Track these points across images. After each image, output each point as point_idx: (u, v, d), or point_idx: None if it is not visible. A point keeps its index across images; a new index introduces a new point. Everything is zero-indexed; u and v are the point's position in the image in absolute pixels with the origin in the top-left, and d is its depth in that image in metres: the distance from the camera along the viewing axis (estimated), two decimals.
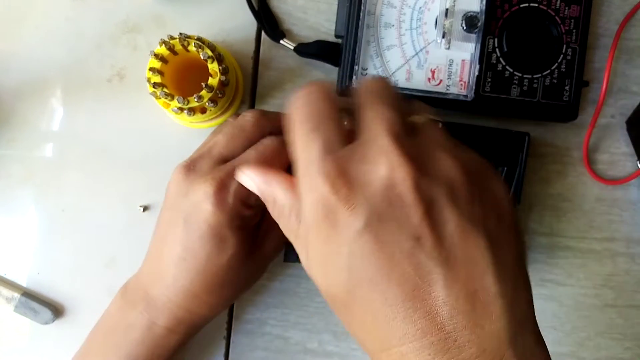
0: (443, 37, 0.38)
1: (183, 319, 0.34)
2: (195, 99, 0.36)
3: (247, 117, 0.35)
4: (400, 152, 0.25)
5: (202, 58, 0.36)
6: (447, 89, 0.38)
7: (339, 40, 0.40)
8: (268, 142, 0.34)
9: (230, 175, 0.32)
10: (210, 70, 0.36)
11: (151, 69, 0.36)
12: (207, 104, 0.36)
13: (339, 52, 0.39)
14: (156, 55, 0.36)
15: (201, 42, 0.36)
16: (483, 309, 0.23)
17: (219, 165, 0.33)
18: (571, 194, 0.42)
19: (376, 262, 0.24)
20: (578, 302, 0.42)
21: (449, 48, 0.38)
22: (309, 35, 0.41)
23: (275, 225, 0.35)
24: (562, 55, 0.39)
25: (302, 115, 0.27)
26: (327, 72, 0.41)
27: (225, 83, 0.37)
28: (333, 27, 0.40)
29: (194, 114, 0.36)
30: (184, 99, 0.35)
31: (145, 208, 0.41)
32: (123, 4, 0.41)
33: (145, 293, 0.34)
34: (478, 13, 0.38)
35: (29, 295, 0.41)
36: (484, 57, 0.38)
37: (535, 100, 0.39)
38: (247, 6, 0.40)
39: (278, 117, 0.35)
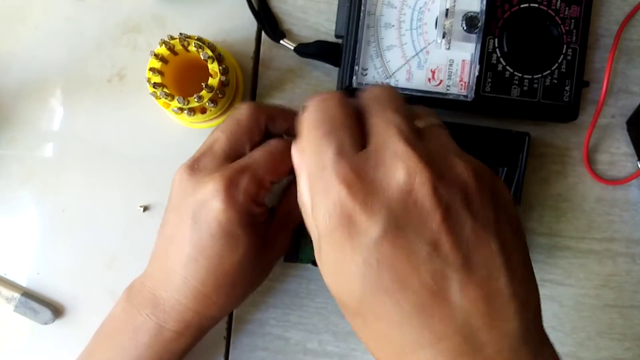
0: (443, 37, 0.38)
1: (192, 321, 0.34)
2: (196, 99, 0.36)
3: (242, 110, 0.35)
4: (417, 157, 0.24)
5: (202, 58, 0.36)
6: (448, 89, 0.38)
7: (339, 41, 0.40)
8: (275, 143, 0.34)
9: (239, 172, 0.32)
10: (210, 71, 0.36)
11: (151, 69, 0.36)
12: (207, 104, 0.36)
13: (339, 52, 0.39)
14: (156, 56, 0.36)
15: (201, 42, 0.36)
16: (498, 310, 0.24)
17: (222, 162, 0.33)
18: (571, 194, 0.42)
19: (393, 271, 0.24)
20: (578, 302, 0.42)
21: (449, 48, 0.38)
22: (309, 35, 0.41)
23: (284, 224, 0.35)
24: (562, 56, 0.39)
25: (315, 120, 0.27)
26: (327, 72, 0.41)
27: (226, 83, 0.37)
28: (333, 27, 0.40)
29: (194, 114, 0.36)
30: (184, 99, 0.35)
31: (145, 208, 0.41)
32: (123, 4, 0.41)
33: (153, 296, 0.34)
34: (478, 13, 0.38)
35: (29, 295, 0.41)
36: (484, 58, 0.38)
37: (535, 101, 0.39)
38: (247, 6, 0.40)
39: (271, 108, 0.36)
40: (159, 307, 0.33)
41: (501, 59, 0.38)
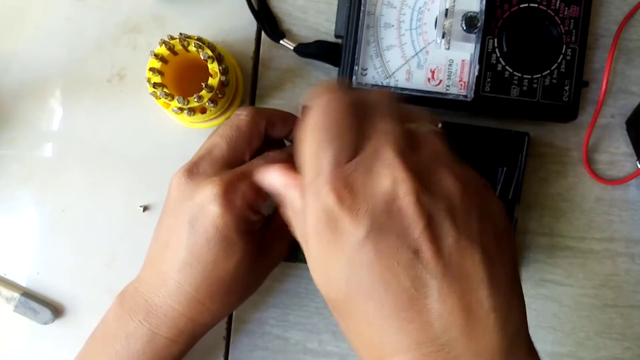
0: (443, 37, 0.38)
1: (185, 328, 0.33)
2: (195, 99, 0.36)
3: (242, 115, 0.35)
4: (404, 167, 0.25)
5: (202, 58, 0.36)
6: (447, 89, 0.38)
7: (339, 41, 0.40)
8: (274, 155, 0.34)
9: (238, 177, 0.32)
10: (210, 71, 0.36)
11: (151, 69, 0.36)
12: (207, 104, 0.36)
13: (338, 52, 0.39)
14: (156, 55, 0.36)
15: (201, 42, 0.36)
16: (477, 322, 0.24)
17: (221, 167, 0.33)
18: (571, 194, 0.42)
19: (374, 273, 0.24)
20: (578, 302, 0.42)
21: (448, 48, 0.38)
22: (308, 35, 0.41)
23: (280, 233, 0.35)
24: (561, 56, 0.39)
25: (318, 123, 0.27)
26: (327, 72, 0.41)
27: (225, 83, 0.37)
28: (333, 27, 0.40)
29: (194, 114, 0.36)
30: (184, 99, 0.35)
31: (145, 208, 0.41)
32: (123, 4, 0.41)
33: (146, 301, 0.33)
34: (478, 13, 0.38)
35: (28, 295, 0.41)
36: (484, 57, 0.38)
37: (535, 101, 0.39)
38: (247, 6, 0.40)
39: (272, 113, 0.36)
40: (152, 313, 0.33)
41: (501, 59, 0.38)
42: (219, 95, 0.37)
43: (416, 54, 0.38)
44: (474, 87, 0.38)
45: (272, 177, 0.31)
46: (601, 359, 0.43)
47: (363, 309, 0.25)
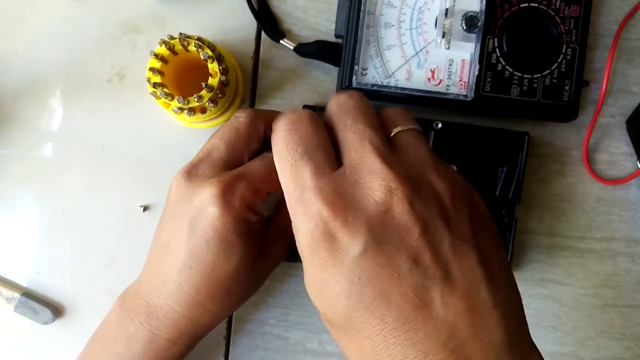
0: (443, 37, 0.38)
1: (185, 329, 0.33)
2: (196, 99, 0.36)
3: (241, 117, 0.35)
4: (394, 175, 0.25)
5: (202, 58, 0.36)
6: (447, 89, 0.38)
7: (339, 40, 0.40)
8: (272, 155, 0.34)
9: (236, 178, 0.32)
10: (210, 70, 0.36)
11: (151, 69, 0.36)
12: (207, 104, 0.36)
13: (339, 52, 0.39)
14: (156, 55, 0.36)
15: (201, 42, 0.36)
16: (481, 322, 0.24)
17: (220, 169, 0.33)
18: (571, 194, 0.42)
19: (375, 288, 0.24)
20: (578, 301, 0.42)
21: (448, 48, 0.38)
22: (309, 35, 0.41)
23: (280, 233, 0.35)
24: (562, 55, 0.39)
25: (289, 141, 0.27)
26: (327, 72, 0.41)
27: (226, 83, 0.37)
28: (333, 27, 0.40)
29: (194, 114, 0.36)
30: (184, 99, 0.35)
31: (145, 208, 0.41)
32: (123, 4, 0.41)
33: (146, 303, 0.33)
34: (478, 13, 0.38)
35: (29, 295, 0.41)
36: (484, 57, 0.38)
37: (535, 100, 0.39)
38: (247, 6, 0.40)
39: (271, 115, 0.35)
40: (153, 314, 0.33)
41: (501, 59, 0.38)
42: (219, 95, 0.37)
43: (416, 53, 0.38)
44: (474, 87, 0.38)
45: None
46: (601, 359, 0.43)
47: (365, 325, 0.25)
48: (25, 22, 0.41)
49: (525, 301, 0.27)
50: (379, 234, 0.24)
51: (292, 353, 0.42)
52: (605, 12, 0.42)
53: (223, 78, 0.36)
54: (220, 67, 0.36)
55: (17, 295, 0.41)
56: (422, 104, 0.38)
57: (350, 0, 0.38)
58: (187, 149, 0.38)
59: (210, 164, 0.33)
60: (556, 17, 0.38)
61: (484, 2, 0.38)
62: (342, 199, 0.25)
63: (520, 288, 0.27)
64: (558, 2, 0.38)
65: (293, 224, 0.27)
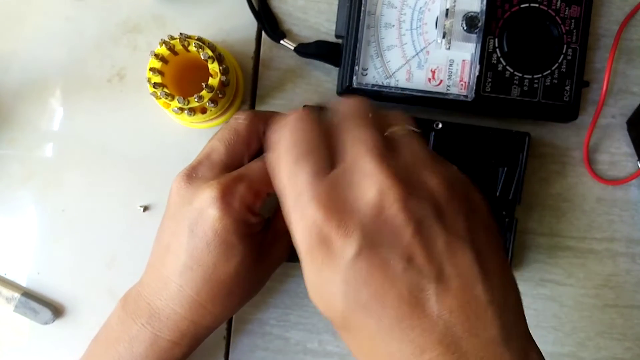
0: (443, 37, 0.38)
1: (187, 331, 0.34)
2: (196, 99, 0.36)
3: (240, 119, 0.35)
4: (387, 175, 0.25)
5: (202, 58, 0.36)
6: (448, 89, 0.38)
7: (339, 41, 0.40)
8: None
9: (236, 180, 0.32)
10: (210, 71, 0.36)
11: (151, 69, 0.36)
12: (207, 104, 0.36)
13: (339, 52, 0.39)
14: (156, 56, 0.36)
15: (201, 42, 0.36)
16: (477, 318, 0.24)
17: (220, 171, 0.33)
18: (571, 194, 0.42)
19: (370, 288, 0.24)
20: (578, 302, 0.42)
21: (449, 48, 0.38)
22: (309, 35, 0.41)
23: (281, 235, 0.35)
24: (562, 56, 0.39)
25: (287, 143, 0.27)
26: (327, 72, 0.41)
27: (226, 83, 0.37)
28: (333, 27, 0.40)
29: (194, 114, 0.36)
30: (184, 99, 0.35)
31: (145, 208, 0.41)
32: (123, 4, 0.41)
33: (148, 305, 0.33)
34: (478, 13, 0.38)
35: (29, 295, 0.41)
36: (485, 58, 0.38)
37: (535, 101, 0.39)
38: (247, 6, 0.40)
39: (271, 116, 0.36)
40: (155, 316, 0.33)
41: (501, 59, 0.38)
42: (220, 96, 0.37)
43: (417, 54, 0.38)
44: (474, 87, 0.38)
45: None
46: (602, 359, 0.43)
47: (362, 324, 0.25)
48: (25, 22, 0.41)
49: (525, 302, 0.27)
50: (373, 236, 0.24)
51: (292, 353, 0.42)
52: (605, 12, 0.42)
53: (223, 78, 0.36)
54: (221, 68, 0.36)
55: (17, 295, 0.41)
56: (422, 104, 0.38)
57: (350, 0, 0.38)
58: (187, 149, 0.38)
59: (210, 166, 0.34)
60: (557, 18, 0.38)
61: (485, 2, 0.38)
62: (335, 202, 0.25)
63: (520, 288, 0.27)
64: (559, 3, 0.38)
65: (290, 228, 0.27)
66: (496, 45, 0.38)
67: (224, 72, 0.36)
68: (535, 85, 0.38)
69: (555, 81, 0.39)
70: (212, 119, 0.40)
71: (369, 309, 0.24)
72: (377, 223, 0.24)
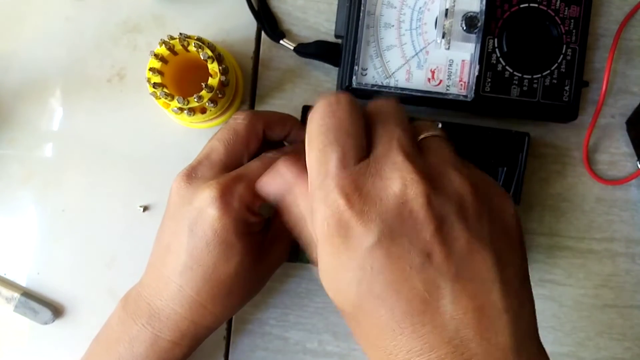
0: (443, 37, 0.38)
1: (188, 331, 0.34)
2: (195, 99, 0.36)
3: (239, 119, 0.35)
4: (413, 169, 0.25)
5: (202, 58, 0.36)
6: (447, 89, 0.38)
7: (339, 41, 0.40)
8: (271, 155, 0.34)
9: (235, 180, 0.32)
10: (210, 71, 0.36)
11: (151, 69, 0.36)
12: (207, 104, 0.36)
13: (338, 52, 0.39)
14: (156, 56, 0.36)
15: (201, 42, 0.36)
16: (489, 323, 0.24)
17: (220, 171, 0.33)
18: (571, 194, 0.42)
19: (386, 278, 0.24)
20: (578, 302, 0.42)
21: (448, 48, 0.38)
22: (308, 35, 0.41)
23: (281, 235, 0.35)
24: (562, 56, 0.39)
25: (322, 126, 0.27)
26: (327, 72, 0.41)
27: (225, 83, 0.37)
28: (333, 27, 0.40)
29: (194, 114, 0.36)
30: (184, 99, 0.35)
31: (145, 208, 0.41)
32: (123, 4, 0.41)
33: (148, 305, 0.33)
34: (478, 13, 0.38)
35: (28, 295, 0.41)
36: (484, 58, 0.38)
37: (535, 101, 0.39)
38: (247, 6, 0.40)
39: (269, 115, 0.36)
40: (155, 316, 0.33)
41: (501, 59, 0.38)
42: (219, 95, 0.37)
43: (416, 54, 0.38)
44: (474, 87, 0.38)
45: (271, 185, 0.31)
46: (602, 359, 0.43)
47: (374, 314, 0.25)
48: (25, 22, 0.41)
49: (534, 300, 0.27)
50: (394, 226, 0.24)
51: (292, 353, 0.42)
52: (605, 12, 0.42)
53: (223, 78, 0.36)
54: (220, 67, 0.36)
55: (17, 295, 0.41)
56: (422, 104, 0.38)
57: (350, 0, 0.38)
58: (187, 149, 0.38)
59: (210, 166, 0.34)
60: (556, 18, 0.38)
61: (484, 2, 0.38)
62: (361, 188, 0.25)
63: None
64: (558, 3, 0.38)
65: (312, 208, 0.27)
66: (496, 45, 0.38)
67: (224, 72, 0.36)
68: (535, 85, 0.38)
69: (555, 81, 0.39)
70: (211, 119, 0.40)
71: (381, 299, 0.24)
72: (399, 215, 0.24)
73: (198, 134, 0.41)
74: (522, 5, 0.38)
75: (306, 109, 0.40)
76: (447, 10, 0.38)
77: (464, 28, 0.38)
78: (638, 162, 0.42)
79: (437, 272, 0.24)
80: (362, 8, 0.37)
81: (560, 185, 0.42)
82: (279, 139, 0.36)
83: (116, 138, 0.41)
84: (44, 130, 0.41)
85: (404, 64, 0.38)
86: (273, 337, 0.42)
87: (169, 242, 0.33)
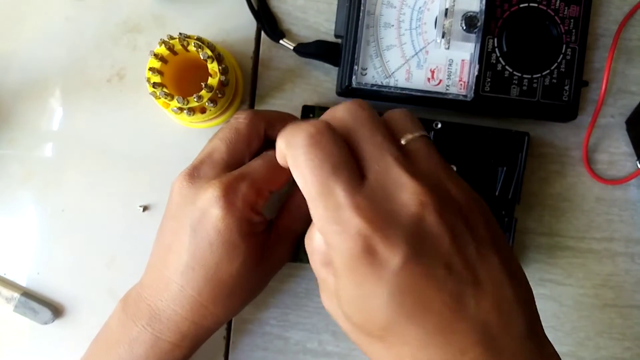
0: (443, 37, 0.38)
1: (188, 332, 0.33)
2: (195, 99, 0.36)
3: (240, 119, 0.35)
4: (421, 186, 0.26)
5: (201, 58, 0.36)
6: (447, 89, 0.38)
7: (339, 40, 0.40)
8: (273, 153, 0.33)
9: (238, 179, 0.32)
10: (210, 70, 0.36)
11: (151, 69, 0.36)
12: (206, 103, 0.36)
13: (338, 52, 0.39)
14: (156, 55, 0.36)
15: (201, 42, 0.36)
16: (507, 316, 0.26)
17: (222, 170, 0.33)
18: (571, 194, 0.42)
19: (415, 297, 0.25)
20: (578, 301, 0.42)
21: (448, 48, 0.38)
22: (308, 35, 0.41)
23: (284, 236, 0.35)
24: (561, 55, 0.39)
25: (312, 160, 0.26)
26: (327, 72, 0.41)
27: (225, 83, 0.37)
28: (333, 27, 0.40)
29: (193, 114, 0.36)
30: (183, 99, 0.35)
31: (145, 208, 0.41)
32: (123, 4, 0.41)
33: (149, 306, 0.33)
34: (477, 13, 0.38)
35: (28, 295, 0.41)
36: (484, 57, 0.38)
37: (534, 100, 0.39)
38: (246, 6, 0.40)
39: (270, 114, 0.36)
40: (155, 317, 0.33)
41: (500, 59, 0.38)
42: (219, 95, 0.37)
43: (416, 53, 0.38)
44: (473, 87, 0.38)
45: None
46: (601, 359, 0.43)
47: (403, 332, 0.25)
48: (25, 22, 0.41)
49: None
50: (417, 246, 0.25)
51: (292, 353, 0.42)
52: (604, 12, 0.42)
53: (223, 78, 0.36)
54: (220, 67, 0.36)
55: (17, 295, 0.41)
56: (421, 104, 0.38)
57: (350, 0, 0.38)
58: (187, 149, 0.38)
59: (212, 165, 0.33)
60: (556, 17, 0.38)
61: (484, 2, 0.38)
62: (379, 214, 0.25)
63: None
64: (558, 2, 0.38)
65: (328, 244, 0.27)
66: (495, 45, 0.38)
67: (223, 71, 0.36)
68: (535, 85, 0.38)
69: (555, 81, 0.39)
70: (211, 119, 0.40)
71: (412, 317, 0.25)
72: (419, 233, 0.25)
73: (198, 133, 0.41)
74: (521, 5, 0.38)
75: (306, 109, 0.40)
76: (446, 10, 0.38)
77: (464, 28, 0.38)
78: (638, 162, 0.42)
79: (460, 281, 0.25)
80: (361, 8, 0.37)
81: (559, 185, 0.42)
82: None
83: (116, 138, 0.41)
84: (44, 130, 0.41)
85: (403, 64, 0.38)
86: (273, 337, 0.42)
87: (170, 242, 0.33)
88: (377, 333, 0.26)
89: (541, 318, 0.28)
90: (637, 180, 0.42)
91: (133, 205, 0.41)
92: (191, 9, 0.41)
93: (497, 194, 0.40)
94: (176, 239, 0.33)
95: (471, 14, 0.38)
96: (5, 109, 0.41)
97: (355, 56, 0.38)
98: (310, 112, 0.40)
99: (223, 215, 0.31)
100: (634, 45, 0.42)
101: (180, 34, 0.36)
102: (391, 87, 0.38)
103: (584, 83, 0.39)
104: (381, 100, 0.38)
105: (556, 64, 0.39)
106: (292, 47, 0.40)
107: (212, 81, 0.36)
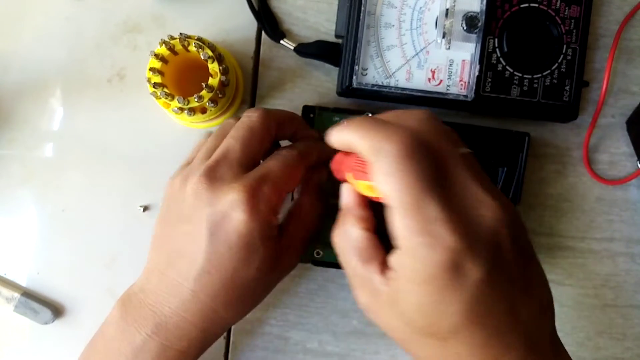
0: (443, 37, 0.38)
1: (197, 339, 0.32)
2: (196, 99, 0.36)
3: (253, 117, 0.34)
4: (494, 200, 0.27)
5: (202, 58, 0.36)
6: (448, 89, 0.38)
7: (339, 41, 0.40)
8: (286, 153, 0.34)
9: (259, 181, 0.31)
10: (210, 71, 0.36)
11: (151, 69, 0.36)
12: (207, 104, 0.36)
13: (339, 52, 0.39)
14: (156, 55, 0.36)
15: (201, 42, 0.36)
16: (544, 316, 0.29)
17: (239, 171, 0.32)
18: (571, 194, 0.42)
19: (487, 305, 0.27)
20: (578, 302, 0.42)
21: (449, 48, 0.38)
22: (309, 35, 0.41)
23: (294, 242, 0.35)
24: (562, 56, 0.39)
25: (412, 173, 0.27)
26: (327, 72, 0.41)
27: (226, 83, 0.37)
28: (333, 27, 0.40)
29: (194, 114, 0.36)
30: (184, 99, 0.35)
31: (145, 208, 0.41)
32: (123, 4, 0.41)
33: (154, 313, 0.32)
34: (478, 13, 0.38)
35: (28, 295, 0.41)
36: (484, 57, 0.38)
37: (535, 101, 0.39)
38: (247, 6, 0.40)
39: (280, 114, 0.36)
40: (161, 325, 0.32)
41: (501, 59, 0.38)
42: (219, 95, 0.37)
43: (417, 53, 0.38)
44: (474, 87, 0.38)
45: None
46: (601, 359, 0.43)
47: (468, 337, 0.27)
48: (25, 22, 0.41)
49: None
50: (494, 260, 0.26)
51: (292, 353, 0.42)
52: (605, 12, 0.42)
53: (223, 78, 0.36)
54: (221, 67, 0.36)
55: (17, 295, 0.41)
56: (422, 104, 0.38)
57: (350, 0, 0.38)
58: (187, 149, 0.38)
59: (229, 166, 0.32)
60: (556, 18, 0.38)
61: (485, 2, 0.38)
62: (468, 230, 0.26)
63: None
64: (558, 3, 0.38)
65: (408, 252, 0.27)
66: (496, 45, 0.38)
67: (224, 72, 0.36)
68: (535, 85, 0.38)
69: (555, 81, 0.39)
70: (212, 119, 0.40)
71: (480, 324, 0.27)
72: (496, 247, 0.27)
73: (198, 134, 0.41)
74: (522, 5, 0.38)
75: (307, 109, 0.40)
76: (447, 10, 0.38)
77: (465, 28, 0.38)
78: (638, 162, 0.42)
79: (517, 289, 0.27)
80: (362, 8, 0.37)
81: (560, 185, 0.42)
82: (286, 137, 0.36)
83: (116, 138, 0.41)
84: (44, 130, 0.41)
85: (404, 64, 0.38)
86: (273, 336, 0.42)
87: (181, 246, 0.32)
88: (442, 335, 0.27)
89: None
90: (637, 180, 0.42)
91: (133, 205, 0.41)
92: (191, 9, 0.41)
93: None
94: (189, 242, 0.32)
95: (472, 14, 0.38)
96: (5, 109, 0.41)
97: (356, 56, 0.38)
98: (310, 112, 0.39)
99: (246, 219, 0.30)
100: (634, 45, 0.42)
101: (180, 34, 0.36)
102: (392, 87, 0.38)
103: (584, 83, 0.39)
104: (381, 100, 0.38)
105: (557, 64, 0.39)
106: (292, 47, 0.40)
107: (213, 81, 0.36)
